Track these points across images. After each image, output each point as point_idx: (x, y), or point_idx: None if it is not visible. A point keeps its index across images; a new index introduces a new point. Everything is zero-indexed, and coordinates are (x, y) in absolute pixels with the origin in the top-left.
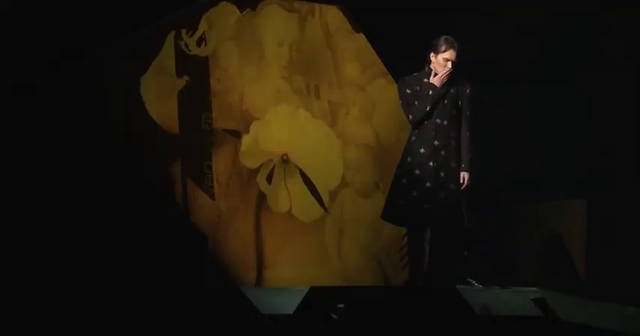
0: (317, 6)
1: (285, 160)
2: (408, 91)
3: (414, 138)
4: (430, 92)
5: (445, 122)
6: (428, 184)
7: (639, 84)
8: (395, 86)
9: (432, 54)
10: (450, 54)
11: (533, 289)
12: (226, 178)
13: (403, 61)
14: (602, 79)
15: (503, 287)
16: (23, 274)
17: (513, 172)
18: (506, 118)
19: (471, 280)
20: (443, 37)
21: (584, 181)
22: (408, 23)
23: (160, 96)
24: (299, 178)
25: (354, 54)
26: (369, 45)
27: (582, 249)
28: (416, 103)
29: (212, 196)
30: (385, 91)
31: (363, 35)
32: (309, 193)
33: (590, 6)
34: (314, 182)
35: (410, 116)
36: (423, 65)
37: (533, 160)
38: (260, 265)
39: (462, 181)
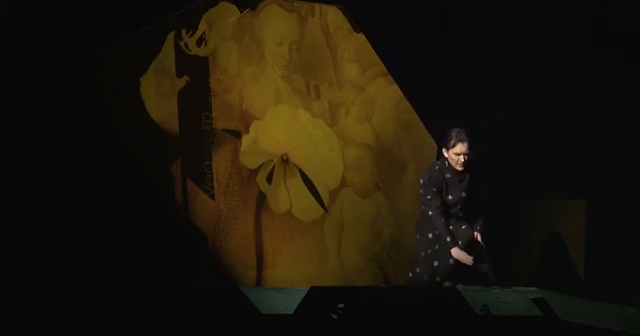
0: (317, 6)
1: (285, 160)
2: (434, 189)
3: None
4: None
5: (460, 214)
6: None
7: (637, 85)
8: (395, 86)
9: (443, 149)
10: (460, 148)
11: (533, 289)
12: (226, 178)
13: (403, 61)
14: (601, 81)
15: (503, 287)
16: (25, 273)
17: (514, 172)
18: (506, 118)
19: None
20: (452, 132)
21: (583, 181)
22: (408, 23)
23: (160, 96)
24: (299, 178)
25: (354, 54)
26: (369, 45)
27: (582, 249)
28: (437, 232)
29: (212, 196)
30: (385, 91)
31: (363, 35)
32: (309, 193)
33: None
34: (314, 182)
35: (430, 215)
36: (422, 65)
37: (533, 161)
38: (260, 265)
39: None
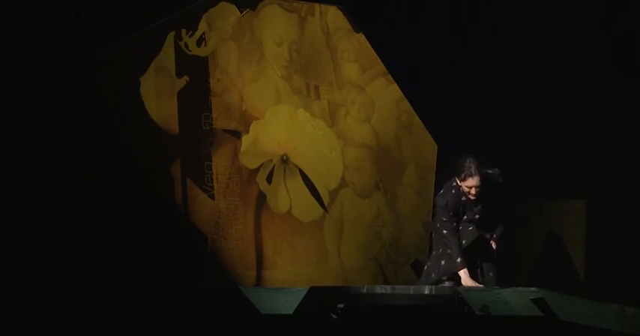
0: (317, 6)
1: (285, 160)
2: (451, 213)
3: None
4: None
5: (472, 225)
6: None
7: (638, 85)
8: (395, 86)
9: (456, 178)
10: (470, 182)
11: (533, 289)
12: (226, 178)
13: (403, 61)
14: (601, 81)
15: (503, 287)
16: (25, 273)
17: (514, 172)
18: (506, 118)
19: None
20: (464, 165)
21: (583, 181)
22: (408, 23)
23: (159, 96)
24: (299, 178)
25: (353, 54)
26: (369, 45)
27: (582, 249)
28: (449, 251)
29: (212, 196)
30: (385, 91)
31: (363, 35)
32: (309, 193)
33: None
34: (314, 182)
35: (444, 233)
36: (422, 65)
37: (533, 160)
38: (260, 265)
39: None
